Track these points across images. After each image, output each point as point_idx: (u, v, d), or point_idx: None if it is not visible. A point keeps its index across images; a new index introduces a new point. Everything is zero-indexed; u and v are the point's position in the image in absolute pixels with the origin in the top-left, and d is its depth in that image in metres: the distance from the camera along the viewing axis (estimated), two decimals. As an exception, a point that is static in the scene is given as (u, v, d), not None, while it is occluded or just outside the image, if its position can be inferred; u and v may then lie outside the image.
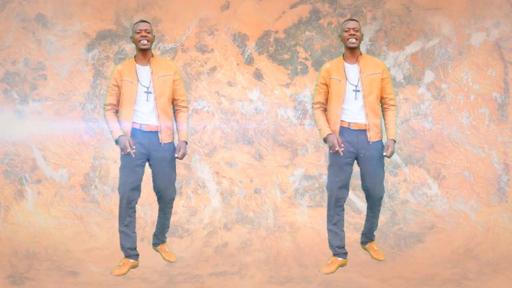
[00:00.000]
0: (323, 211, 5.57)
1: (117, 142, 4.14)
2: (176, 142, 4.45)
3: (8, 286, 4.51)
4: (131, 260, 4.36)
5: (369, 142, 4.26)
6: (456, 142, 5.62)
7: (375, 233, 4.84)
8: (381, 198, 4.42)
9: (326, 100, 4.34)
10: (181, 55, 5.73)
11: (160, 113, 4.19)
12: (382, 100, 4.37)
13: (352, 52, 4.28)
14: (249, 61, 5.75)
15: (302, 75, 5.72)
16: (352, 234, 5.34)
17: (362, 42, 5.76)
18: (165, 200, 4.39)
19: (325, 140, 4.26)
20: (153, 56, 4.28)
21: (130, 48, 5.73)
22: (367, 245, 4.68)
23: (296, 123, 5.71)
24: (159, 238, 4.62)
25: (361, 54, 4.32)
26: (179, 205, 5.56)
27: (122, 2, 5.72)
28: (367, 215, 4.56)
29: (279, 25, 5.75)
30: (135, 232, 4.32)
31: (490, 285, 4.58)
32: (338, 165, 4.27)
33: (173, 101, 4.36)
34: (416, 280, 4.70)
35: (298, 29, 5.74)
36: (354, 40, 4.21)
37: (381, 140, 4.33)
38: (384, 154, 4.25)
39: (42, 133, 5.66)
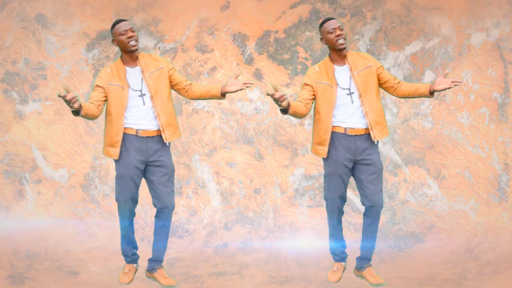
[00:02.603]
0: (323, 211, 5.56)
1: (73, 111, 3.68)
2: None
3: (8, 286, 4.51)
4: (135, 265, 4.21)
5: (374, 142, 3.91)
6: (456, 142, 5.62)
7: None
8: (379, 208, 3.99)
9: (308, 99, 3.93)
10: (181, 55, 5.73)
11: (159, 111, 3.85)
12: (389, 85, 3.96)
13: (341, 53, 3.89)
14: (249, 61, 5.76)
15: (302, 75, 5.72)
16: (351, 234, 5.34)
17: (362, 42, 5.77)
18: (165, 212, 4.00)
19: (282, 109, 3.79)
20: (139, 53, 3.92)
21: (130, 48, 5.73)
22: (364, 271, 4.14)
23: (296, 123, 5.71)
24: (156, 261, 4.16)
25: (346, 52, 3.92)
26: (179, 205, 5.56)
27: (122, 2, 5.72)
28: (365, 233, 4.09)
29: (279, 25, 5.76)
30: (133, 236, 4.17)
31: (490, 285, 4.58)
32: (337, 174, 3.97)
33: (180, 88, 4.01)
34: (416, 280, 4.70)
35: (298, 29, 5.74)
36: (343, 41, 3.83)
37: (386, 137, 4.04)
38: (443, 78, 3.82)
39: (42, 133, 5.66)
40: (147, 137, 3.87)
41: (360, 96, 3.86)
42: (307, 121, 5.71)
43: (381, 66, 3.96)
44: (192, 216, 5.56)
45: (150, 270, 4.16)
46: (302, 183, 5.66)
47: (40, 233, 5.29)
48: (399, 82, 3.97)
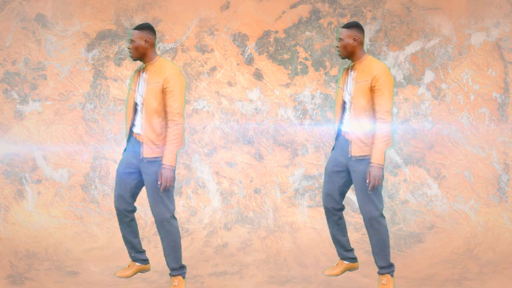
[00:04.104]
0: (323, 211, 5.57)
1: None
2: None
3: (8, 286, 4.51)
4: (138, 264, 4.16)
5: (350, 157, 3.85)
6: (456, 142, 5.62)
7: (381, 266, 4.10)
8: (371, 219, 3.86)
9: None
10: (181, 55, 5.73)
11: (144, 123, 3.79)
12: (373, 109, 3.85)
13: (352, 59, 3.89)
14: (249, 61, 5.76)
15: (302, 75, 5.72)
16: (352, 234, 5.34)
17: (362, 42, 5.76)
18: (156, 220, 3.93)
19: None
20: (151, 60, 3.84)
21: (130, 48, 5.73)
22: (379, 276, 4.11)
23: (296, 123, 5.71)
24: (169, 269, 4.11)
25: (359, 59, 3.87)
26: (179, 205, 5.56)
27: (122, 2, 5.73)
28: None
29: (279, 25, 5.76)
30: (137, 238, 4.07)
31: (490, 285, 4.58)
32: (327, 171, 4.01)
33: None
34: (416, 280, 4.70)
35: (298, 29, 5.74)
36: (338, 50, 3.87)
37: (369, 157, 3.80)
38: (367, 183, 3.76)
39: (42, 133, 5.66)
40: (138, 141, 3.86)
41: (351, 107, 3.86)
42: (307, 121, 5.71)
43: (377, 86, 3.74)
44: (192, 216, 5.56)
45: (169, 274, 4.12)
46: (302, 183, 5.66)
47: (40, 233, 5.29)
48: (377, 119, 3.76)
